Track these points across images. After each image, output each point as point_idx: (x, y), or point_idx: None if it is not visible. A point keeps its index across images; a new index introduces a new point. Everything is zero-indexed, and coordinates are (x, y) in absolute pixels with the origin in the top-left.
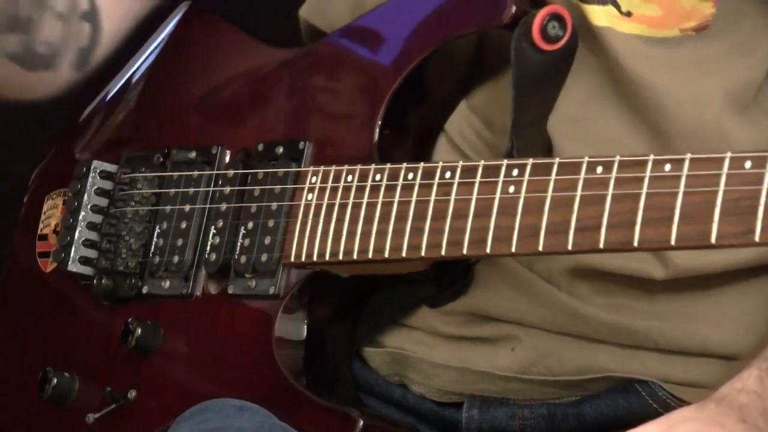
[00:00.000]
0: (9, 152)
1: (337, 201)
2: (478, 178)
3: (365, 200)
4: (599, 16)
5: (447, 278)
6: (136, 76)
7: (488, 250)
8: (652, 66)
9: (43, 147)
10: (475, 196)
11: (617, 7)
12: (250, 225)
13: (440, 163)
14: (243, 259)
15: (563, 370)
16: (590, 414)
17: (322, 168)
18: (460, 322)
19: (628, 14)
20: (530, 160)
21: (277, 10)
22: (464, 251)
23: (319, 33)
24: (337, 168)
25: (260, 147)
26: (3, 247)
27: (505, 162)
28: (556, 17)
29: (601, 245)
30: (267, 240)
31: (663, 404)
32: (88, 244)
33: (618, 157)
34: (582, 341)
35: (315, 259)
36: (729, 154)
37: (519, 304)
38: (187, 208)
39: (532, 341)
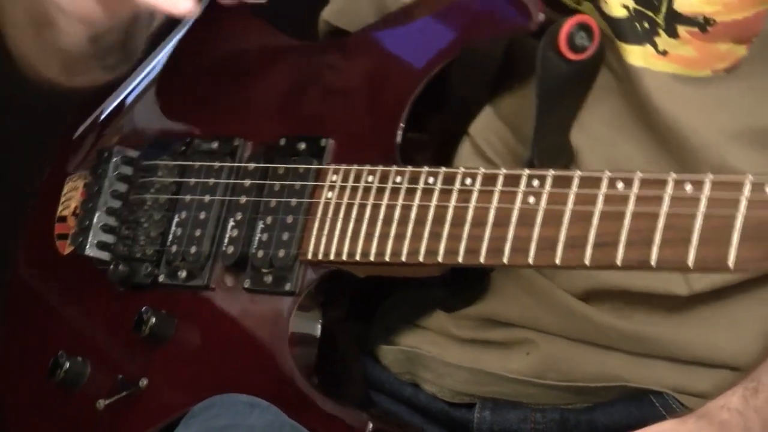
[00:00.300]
0: (9, 152)
1: (357, 201)
2: (499, 187)
3: (385, 202)
4: (636, 56)
5: (462, 284)
6: (161, 64)
7: (505, 260)
8: (681, 105)
9: (45, 145)
10: (494, 204)
11: (654, 46)
12: (269, 220)
13: (461, 169)
14: (260, 253)
15: (577, 377)
16: (603, 422)
17: (343, 167)
18: (473, 326)
19: (664, 53)
20: (551, 172)
21: (285, 10)
22: (481, 260)
23: (341, 34)
24: (358, 168)
25: (282, 141)
26: (4, 243)
27: (526, 172)
28: (584, 27)
29: (619, 262)
30: (285, 236)
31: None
32: (107, 229)
33: (639, 174)
34: (596, 348)
35: (332, 258)
36: (750, 178)
37: (533, 311)
38: (207, 198)
39: (547, 346)
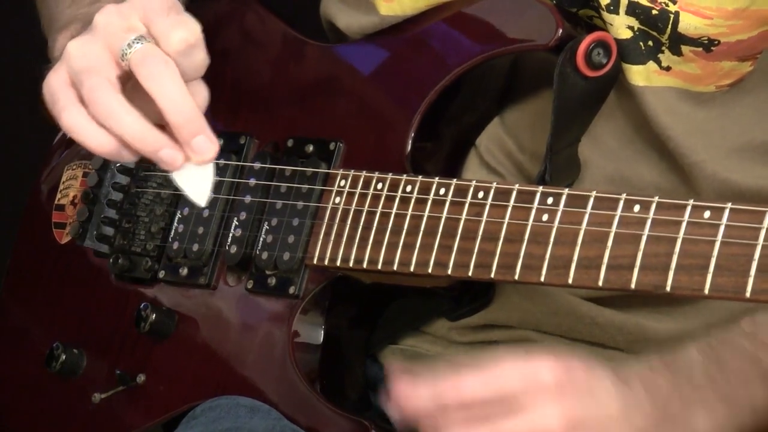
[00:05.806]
0: (9, 152)
1: (365, 208)
2: (512, 202)
3: (394, 211)
4: (637, 75)
5: (468, 295)
6: None
7: (516, 277)
8: (683, 122)
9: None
10: (507, 220)
11: (658, 62)
12: (274, 221)
13: (473, 182)
14: (264, 255)
15: None
16: None
17: (352, 172)
18: (474, 332)
19: (668, 69)
20: (566, 191)
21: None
22: (492, 275)
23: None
24: (368, 174)
25: (290, 142)
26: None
27: (541, 189)
28: (602, 44)
29: (633, 285)
30: (290, 239)
31: None
32: (107, 221)
33: (657, 198)
34: (597, 348)
35: (339, 264)
36: None
37: (534, 316)
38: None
39: (546, 344)
